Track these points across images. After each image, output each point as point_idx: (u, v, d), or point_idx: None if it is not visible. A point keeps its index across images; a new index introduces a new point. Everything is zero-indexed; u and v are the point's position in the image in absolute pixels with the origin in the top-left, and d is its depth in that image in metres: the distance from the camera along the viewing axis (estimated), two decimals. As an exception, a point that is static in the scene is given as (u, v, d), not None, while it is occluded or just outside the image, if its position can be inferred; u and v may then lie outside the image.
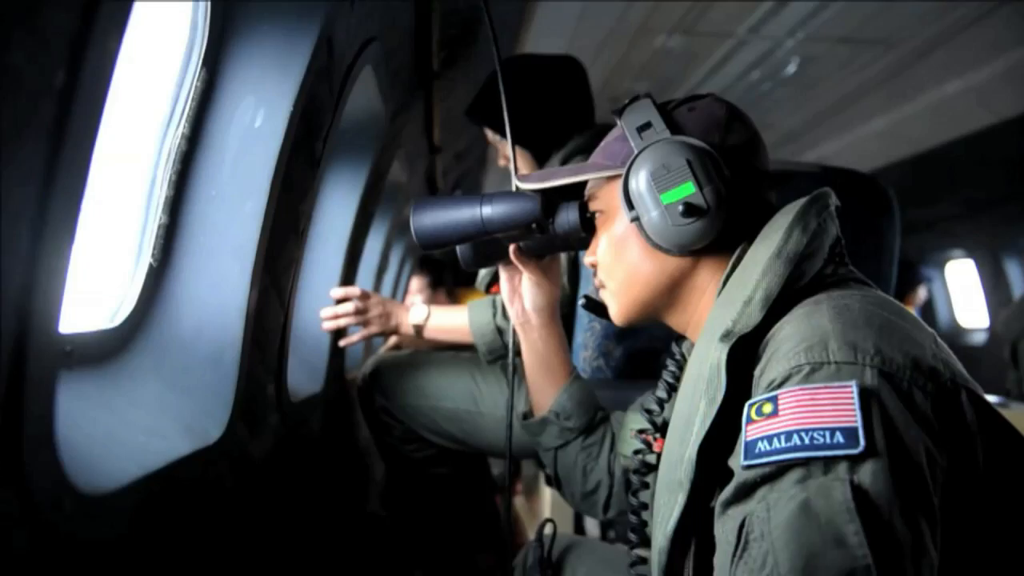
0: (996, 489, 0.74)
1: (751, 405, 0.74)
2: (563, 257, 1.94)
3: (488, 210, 1.13)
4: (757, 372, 0.78)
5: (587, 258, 1.09)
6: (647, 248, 0.96)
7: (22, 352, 0.73)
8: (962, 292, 7.09)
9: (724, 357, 0.79)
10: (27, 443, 0.75)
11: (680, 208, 0.90)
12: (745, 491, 0.70)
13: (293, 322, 1.72)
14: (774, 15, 3.56)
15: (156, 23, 1.19)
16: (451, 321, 1.95)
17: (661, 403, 1.10)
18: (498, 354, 1.79)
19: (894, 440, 0.66)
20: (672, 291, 0.99)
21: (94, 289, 1.23)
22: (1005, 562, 0.75)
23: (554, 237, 1.15)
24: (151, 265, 1.29)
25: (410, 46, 2.20)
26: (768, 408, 0.71)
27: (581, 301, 1.22)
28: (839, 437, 0.66)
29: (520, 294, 1.29)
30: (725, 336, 0.81)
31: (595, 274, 1.07)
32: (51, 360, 0.80)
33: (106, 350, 1.22)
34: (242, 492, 1.43)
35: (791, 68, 4.20)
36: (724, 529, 0.72)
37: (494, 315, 1.79)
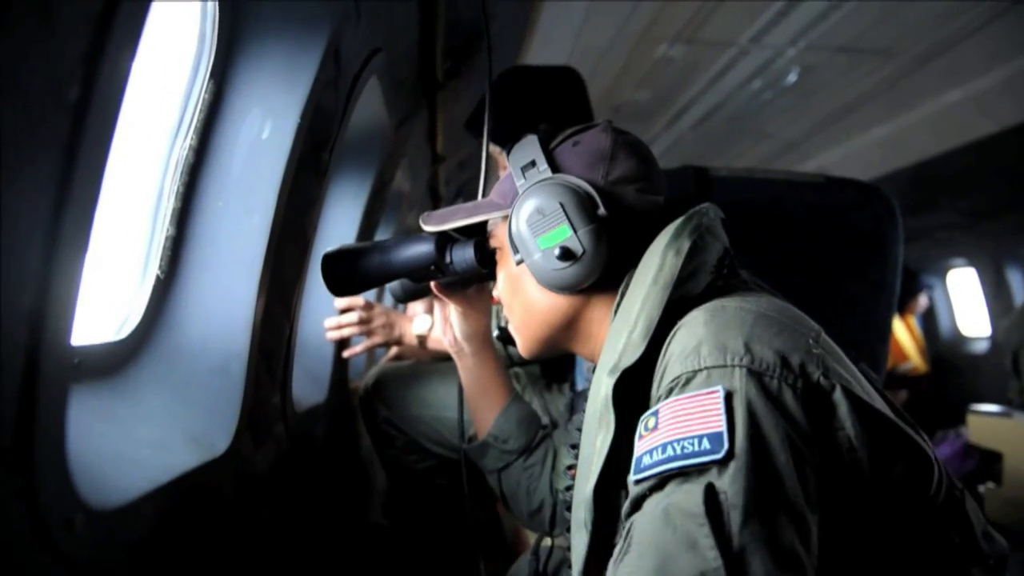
0: (877, 485, 0.74)
1: (642, 421, 0.75)
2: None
3: (388, 256, 1.19)
4: (654, 393, 0.78)
5: (494, 292, 1.09)
6: (538, 287, 0.96)
7: (35, 367, 0.73)
8: (963, 300, 7.08)
9: (611, 391, 0.80)
10: (39, 459, 0.75)
11: (556, 251, 0.90)
12: (636, 503, 0.71)
13: (298, 332, 1.72)
14: (775, 25, 3.57)
15: (165, 35, 1.20)
16: (455, 331, 1.95)
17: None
18: (502, 364, 1.79)
19: (758, 441, 0.67)
20: (571, 326, 0.99)
21: (101, 301, 1.23)
22: (889, 553, 0.76)
23: (457, 274, 1.16)
24: (158, 277, 1.29)
25: (415, 56, 2.21)
26: (652, 422, 0.73)
27: (495, 333, 1.27)
28: (706, 443, 0.67)
29: (451, 324, 1.31)
30: (612, 370, 0.81)
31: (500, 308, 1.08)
32: (63, 373, 0.80)
33: (113, 363, 1.22)
34: (247, 503, 1.43)
35: (792, 77, 4.21)
36: (622, 537, 0.73)
37: (496, 325, 1.79)
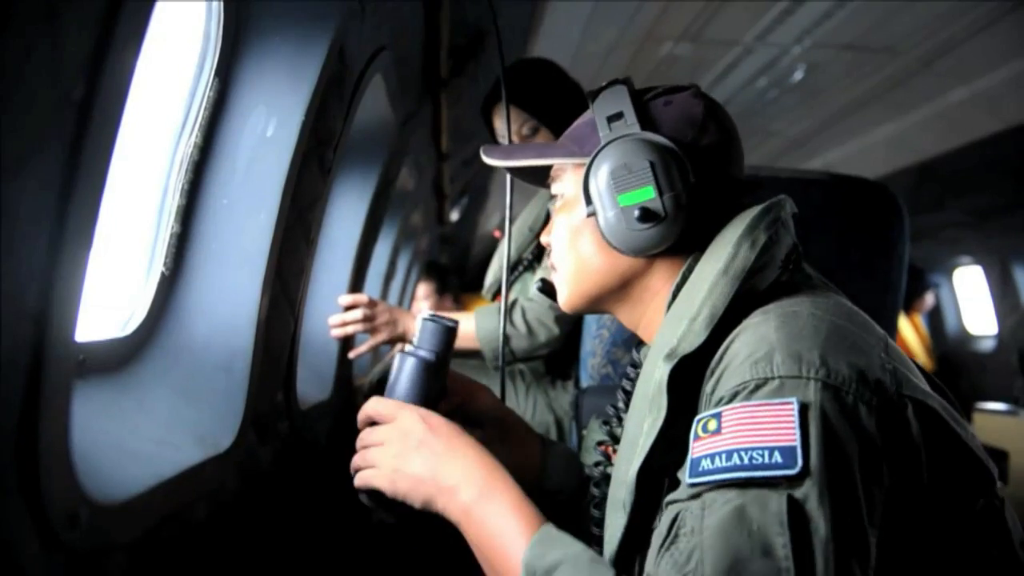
0: (940, 503, 0.73)
1: (698, 421, 0.73)
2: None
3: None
4: (708, 389, 0.76)
5: (543, 237, 1.04)
6: (601, 243, 0.92)
7: (39, 362, 0.73)
8: (970, 299, 7.06)
9: (666, 378, 0.77)
10: (43, 454, 0.75)
11: (636, 212, 0.86)
12: (690, 496, 0.70)
13: (303, 329, 1.72)
14: (780, 23, 3.56)
15: (169, 33, 1.20)
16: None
17: (618, 413, 1.05)
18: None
19: (833, 458, 0.65)
20: (623, 289, 0.95)
21: (106, 298, 1.23)
22: (930, 566, 0.74)
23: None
24: (163, 274, 1.30)
25: (420, 55, 2.21)
26: (712, 425, 0.71)
27: (537, 284, 1.19)
28: (777, 457, 0.65)
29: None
30: (669, 356, 0.78)
31: (548, 254, 1.02)
32: (67, 369, 0.80)
33: (118, 359, 1.22)
34: (251, 499, 1.43)
35: (797, 75, 4.20)
36: (660, 521, 0.72)
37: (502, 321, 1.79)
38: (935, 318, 7.04)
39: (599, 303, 0.98)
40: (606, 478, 1.01)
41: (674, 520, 0.68)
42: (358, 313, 1.92)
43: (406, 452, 0.90)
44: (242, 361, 1.33)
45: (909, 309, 5.65)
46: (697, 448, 0.71)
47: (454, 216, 5.49)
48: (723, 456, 0.67)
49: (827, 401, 0.68)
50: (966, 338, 6.99)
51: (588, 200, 0.91)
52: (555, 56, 2.48)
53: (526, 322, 1.91)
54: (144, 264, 1.30)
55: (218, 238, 1.33)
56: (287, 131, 1.33)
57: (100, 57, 0.72)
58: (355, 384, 2.63)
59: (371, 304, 1.94)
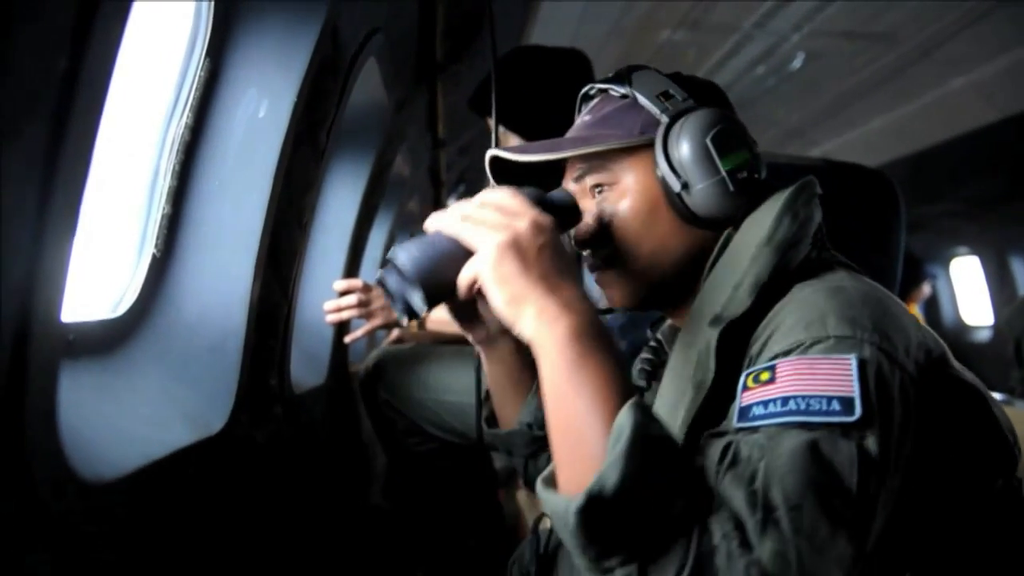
0: (961, 478, 0.75)
1: (748, 374, 0.74)
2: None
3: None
4: (754, 351, 0.78)
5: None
6: (676, 222, 0.92)
7: (24, 341, 0.73)
8: (967, 289, 7.07)
9: (714, 342, 0.79)
10: (29, 432, 0.75)
11: (743, 174, 0.88)
12: (738, 431, 0.71)
13: (296, 314, 1.72)
14: (780, 9, 3.55)
15: (160, 12, 1.19)
16: (454, 313, 1.95)
17: (640, 391, 1.06)
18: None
19: (884, 415, 0.68)
20: (694, 265, 0.94)
21: (97, 279, 1.23)
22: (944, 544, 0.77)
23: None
24: (154, 255, 1.29)
25: (415, 38, 2.20)
26: (765, 376, 0.72)
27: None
28: (836, 405, 0.66)
29: (481, 317, 1.08)
30: (715, 321, 0.81)
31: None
32: (53, 349, 0.80)
33: (109, 340, 1.22)
34: (244, 483, 1.43)
35: (796, 63, 4.19)
36: (704, 456, 0.71)
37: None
38: (931, 308, 7.06)
39: (663, 289, 0.97)
40: None
41: (726, 448, 0.69)
42: (353, 298, 1.91)
43: (528, 241, 0.75)
44: (234, 344, 1.33)
45: (906, 299, 5.64)
46: (747, 397, 0.72)
47: (451, 203, 5.47)
48: (778, 402, 0.69)
49: (881, 361, 0.70)
50: (963, 328, 7.01)
51: (677, 175, 0.89)
52: (552, 42, 2.47)
53: None
54: (135, 245, 1.29)
55: (210, 220, 1.32)
56: (279, 113, 1.32)
57: (85, 30, 0.71)
58: (351, 370, 2.63)
59: (366, 289, 1.93)
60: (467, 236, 0.77)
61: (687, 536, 0.60)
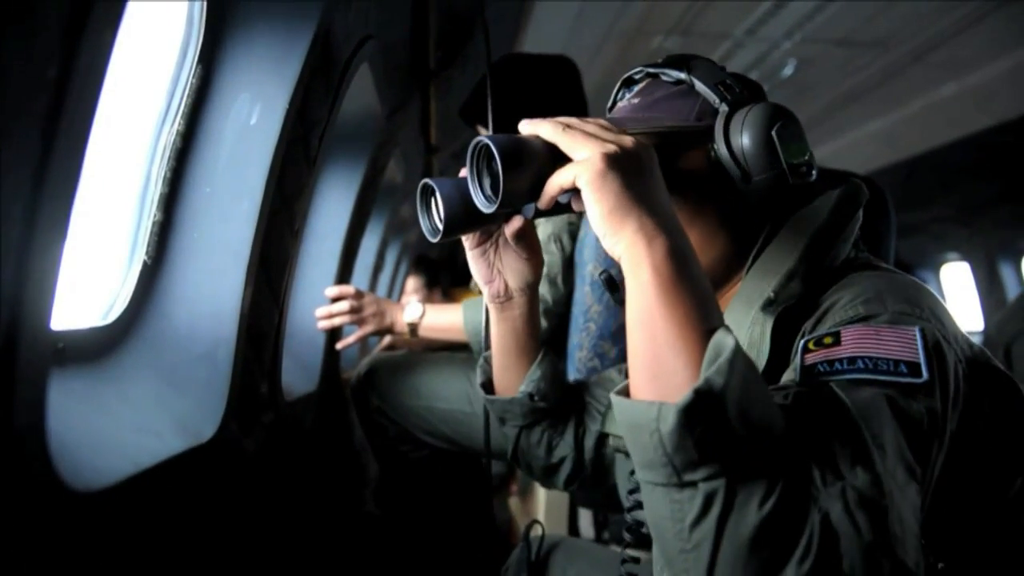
0: (984, 468, 0.77)
1: (807, 340, 0.76)
2: (559, 256, 1.94)
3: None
4: (808, 327, 0.80)
5: None
6: (724, 209, 0.93)
7: (12, 348, 0.72)
8: (957, 295, 7.10)
9: (770, 325, 0.83)
10: (17, 441, 0.74)
11: (803, 169, 0.90)
12: (800, 385, 0.72)
13: (288, 321, 1.71)
14: (771, 17, 3.57)
15: (152, 19, 1.19)
16: (446, 319, 1.95)
17: None
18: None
19: (944, 382, 0.71)
20: (729, 255, 0.95)
21: (88, 286, 1.22)
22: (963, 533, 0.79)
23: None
24: (145, 262, 1.28)
25: (407, 44, 2.20)
26: (829, 340, 0.74)
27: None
28: (903, 368, 0.69)
29: (501, 271, 1.10)
30: (768, 305, 0.84)
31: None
32: (42, 357, 0.79)
33: (99, 347, 1.21)
34: (235, 491, 1.42)
35: (788, 70, 4.21)
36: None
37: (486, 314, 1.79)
38: (923, 314, 7.08)
39: (719, 280, 0.98)
40: None
41: (798, 396, 0.70)
42: (345, 305, 1.91)
43: (632, 157, 0.74)
44: (225, 351, 1.32)
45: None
46: (810, 358, 0.74)
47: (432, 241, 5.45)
48: (844, 361, 0.71)
49: (939, 338, 0.74)
50: (953, 334, 7.03)
51: (740, 164, 0.90)
52: (544, 50, 2.47)
53: None
54: (126, 252, 1.28)
55: (201, 227, 1.32)
56: (271, 119, 1.32)
57: (76, 35, 0.70)
58: (343, 376, 2.62)
59: (358, 295, 1.93)
60: (570, 142, 0.75)
61: (777, 462, 0.60)
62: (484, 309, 1.37)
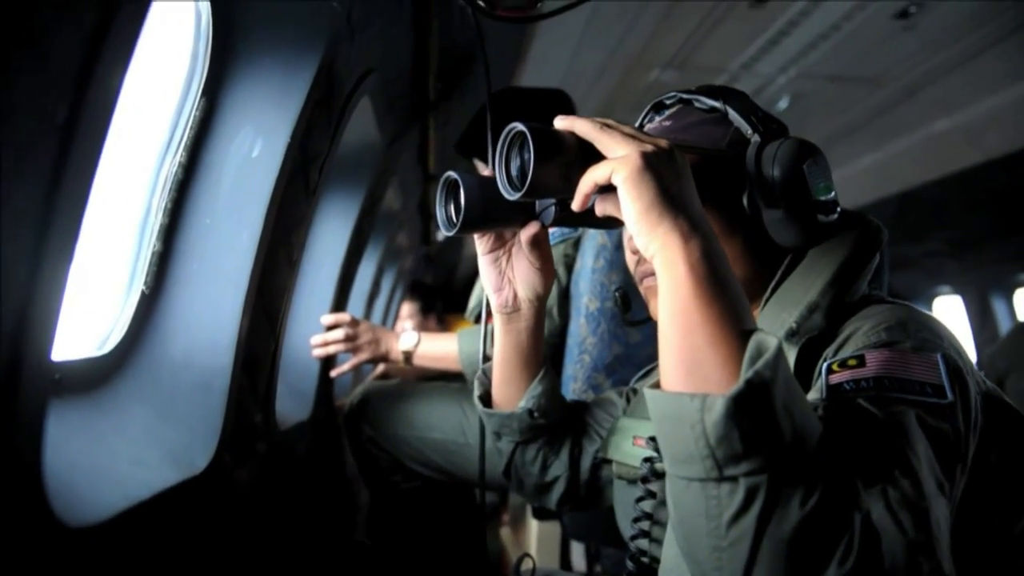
0: (990, 504, 0.78)
1: (831, 363, 0.78)
2: (555, 288, 1.95)
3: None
4: (829, 353, 0.82)
5: (634, 251, 1.02)
6: (747, 239, 0.94)
7: (14, 379, 0.72)
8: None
9: (794, 355, 0.85)
10: (13, 476, 0.74)
11: (827, 207, 0.91)
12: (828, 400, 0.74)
13: (283, 349, 1.71)
14: (766, 52, 3.61)
15: (158, 52, 1.20)
16: (440, 348, 1.95)
17: None
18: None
19: (965, 409, 0.72)
20: (747, 284, 0.95)
21: (85, 316, 1.22)
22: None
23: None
24: (143, 292, 1.29)
25: (408, 77, 2.22)
26: (853, 362, 0.76)
27: (618, 291, 1.19)
28: (928, 389, 0.71)
29: (512, 280, 1.10)
30: (791, 335, 0.86)
31: (639, 263, 1.01)
32: (41, 388, 0.79)
33: (94, 378, 1.21)
34: (228, 521, 1.42)
35: (782, 104, 4.25)
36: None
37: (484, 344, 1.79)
38: (916, 346, 7.08)
39: None
40: (655, 474, 1.06)
41: (825, 410, 0.72)
42: (340, 333, 1.92)
43: (668, 159, 0.75)
44: (221, 381, 1.32)
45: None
46: (835, 378, 0.76)
47: (440, 237, 5.49)
48: (871, 380, 0.73)
49: (960, 366, 0.76)
50: (946, 367, 7.03)
51: (767, 195, 0.91)
52: (542, 82, 2.50)
53: None
54: (124, 282, 1.29)
55: (200, 258, 1.32)
56: (273, 152, 1.33)
57: (86, 80, 0.72)
58: (336, 404, 2.62)
59: (353, 323, 1.94)
60: (608, 140, 0.76)
61: (819, 462, 0.61)
62: (481, 334, 1.39)
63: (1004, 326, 6.38)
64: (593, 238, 1.91)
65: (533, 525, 2.59)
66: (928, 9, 3.13)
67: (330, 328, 1.93)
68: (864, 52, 3.58)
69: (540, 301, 1.13)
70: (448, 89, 2.52)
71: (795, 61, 3.70)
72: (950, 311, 7.04)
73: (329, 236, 2.31)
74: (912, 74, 3.80)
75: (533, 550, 2.55)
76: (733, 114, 0.97)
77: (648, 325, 1.95)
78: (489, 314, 1.50)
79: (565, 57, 3.60)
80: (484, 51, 1.24)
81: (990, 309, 6.50)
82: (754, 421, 0.59)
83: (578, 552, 2.61)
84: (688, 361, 0.66)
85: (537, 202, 1.00)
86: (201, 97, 1.28)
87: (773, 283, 0.95)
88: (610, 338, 1.91)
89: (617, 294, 1.19)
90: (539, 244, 1.06)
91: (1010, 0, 3.05)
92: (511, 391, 1.22)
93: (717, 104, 0.99)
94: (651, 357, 2.08)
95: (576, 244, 1.97)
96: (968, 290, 6.72)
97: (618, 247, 1.88)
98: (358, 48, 1.55)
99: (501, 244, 1.09)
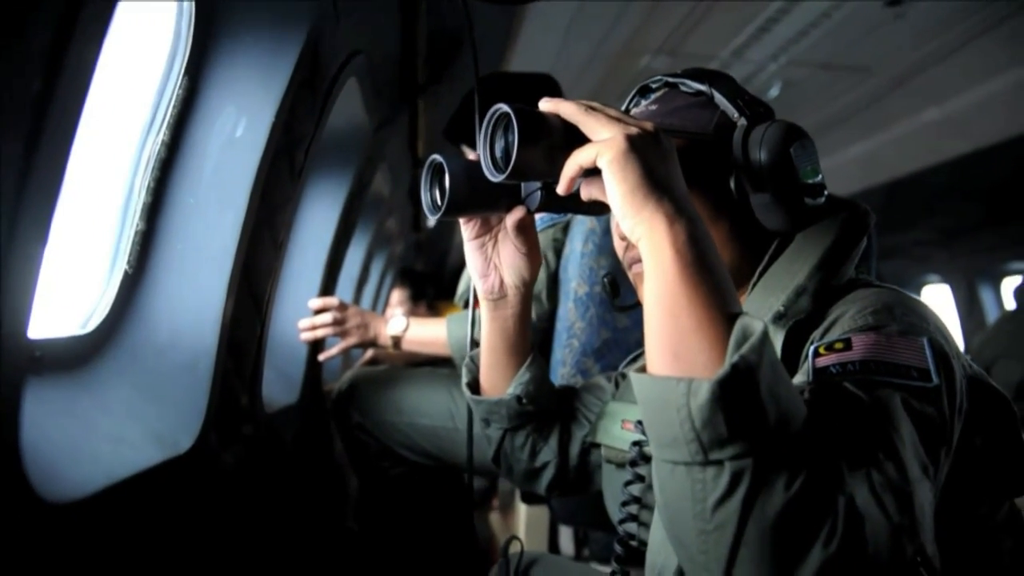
0: (975, 486, 0.79)
1: (818, 346, 0.78)
2: (543, 273, 1.95)
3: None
4: (816, 335, 0.82)
5: (622, 239, 1.01)
6: (735, 221, 0.94)
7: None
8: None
9: (781, 338, 0.85)
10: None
11: (814, 190, 0.91)
12: (813, 384, 0.74)
13: (270, 332, 1.71)
14: (757, 39, 3.61)
15: (139, 30, 1.19)
16: (429, 333, 1.95)
17: None
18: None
19: (951, 393, 0.73)
20: (733, 268, 0.96)
21: (68, 294, 1.21)
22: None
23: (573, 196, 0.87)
24: (126, 272, 1.28)
25: (396, 60, 2.21)
26: (840, 345, 0.76)
27: (607, 277, 1.19)
28: (914, 373, 0.71)
29: (498, 266, 1.10)
30: (778, 318, 0.86)
31: (627, 249, 1.01)
32: (18, 365, 0.79)
33: (77, 356, 1.20)
34: (213, 503, 1.41)
35: (773, 92, 4.25)
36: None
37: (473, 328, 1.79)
38: (904, 335, 7.12)
39: None
40: (644, 457, 1.06)
41: (803, 394, 0.71)
42: (328, 317, 1.91)
43: (654, 142, 0.74)
44: (205, 362, 1.31)
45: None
46: (821, 361, 0.76)
47: (430, 223, 5.48)
48: (857, 364, 0.73)
49: (945, 350, 0.76)
50: (934, 355, 7.08)
51: (754, 179, 0.91)
52: (532, 67, 2.49)
53: None
54: (107, 261, 1.28)
55: (184, 237, 1.32)
56: (257, 132, 1.32)
57: (59, 52, 0.71)
58: (325, 389, 2.62)
59: (341, 307, 1.93)
60: (593, 123, 0.75)
61: (803, 447, 0.61)
62: (470, 319, 1.38)
63: (992, 315, 6.42)
64: (582, 223, 1.91)
65: (522, 510, 2.60)
66: (919, -3, 3.14)
67: (318, 312, 1.93)
68: (855, 40, 3.58)
69: (526, 287, 1.12)
70: (437, 74, 2.51)
71: (786, 49, 3.70)
72: (938, 300, 7.08)
73: (317, 220, 2.30)
74: (902, 62, 3.81)
75: (522, 534, 2.56)
76: (719, 97, 0.97)
77: (637, 310, 1.97)
78: (476, 300, 1.50)
79: (555, 43, 3.59)
80: (472, 35, 1.23)
81: (977, 298, 6.54)
82: (739, 405, 0.59)
83: (566, 536, 2.62)
84: (674, 345, 0.66)
85: (523, 187, 1.00)
86: (184, 76, 1.27)
87: (760, 267, 0.94)
88: (599, 323, 1.91)
89: (606, 280, 1.18)
90: (525, 229, 1.05)
91: (1000, -11, 3.06)
92: (499, 377, 1.21)
93: (703, 88, 0.99)
94: (639, 342, 2.07)
95: (565, 228, 1.97)
96: (956, 279, 6.75)
97: (607, 232, 1.88)
98: (344, 29, 1.54)
99: (487, 230, 1.08)
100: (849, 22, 3.38)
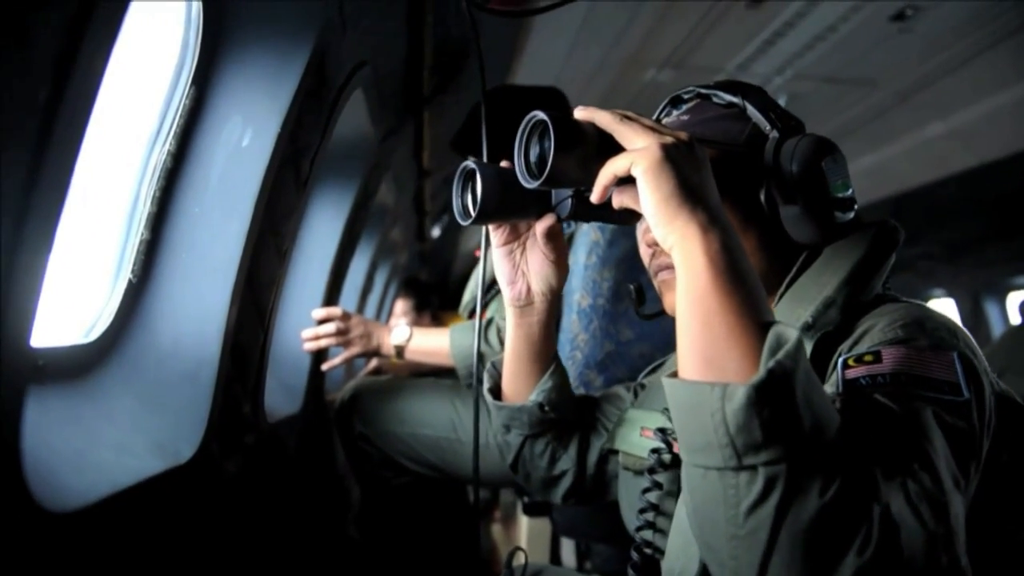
0: (998, 505, 0.78)
1: (847, 357, 0.78)
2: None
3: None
4: (844, 347, 0.82)
5: (649, 242, 1.03)
6: (763, 233, 0.94)
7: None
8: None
9: (810, 348, 0.85)
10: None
11: (844, 205, 0.91)
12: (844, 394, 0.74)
13: (273, 342, 1.71)
14: (763, 53, 3.62)
15: (147, 40, 1.20)
16: (433, 343, 1.95)
17: None
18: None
19: (980, 407, 0.72)
20: (763, 278, 0.95)
21: (71, 303, 1.21)
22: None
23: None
24: (131, 281, 1.28)
25: (402, 71, 2.21)
26: (869, 358, 0.76)
27: (633, 286, 1.19)
28: (944, 387, 0.71)
29: (526, 273, 1.11)
30: (806, 329, 0.86)
31: (655, 256, 1.01)
32: (20, 373, 0.78)
33: (80, 365, 1.20)
34: (214, 513, 1.41)
35: (779, 105, 4.26)
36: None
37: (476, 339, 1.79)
38: (909, 349, 7.10)
39: None
40: (662, 465, 1.05)
41: (834, 403, 0.71)
42: (331, 327, 1.91)
43: (689, 152, 0.75)
44: (208, 371, 1.31)
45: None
46: (851, 373, 0.76)
47: (435, 233, 5.48)
48: (887, 376, 0.73)
49: (975, 365, 0.76)
50: (939, 369, 7.05)
51: (785, 191, 0.92)
52: (538, 79, 2.50)
53: (501, 341, 1.90)
54: (112, 270, 1.28)
55: (188, 246, 1.32)
56: (263, 142, 1.33)
57: (68, 61, 0.71)
58: (327, 399, 2.61)
59: (345, 317, 1.93)
60: (628, 132, 0.76)
61: (837, 454, 0.61)
62: (475, 330, 1.37)
63: (997, 329, 6.40)
64: (586, 235, 1.90)
65: (524, 522, 2.59)
66: (924, 12, 3.14)
67: (322, 322, 1.93)
68: (860, 54, 3.59)
69: (554, 294, 1.12)
70: (443, 85, 2.51)
71: (791, 62, 3.71)
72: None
73: (322, 229, 2.30)
74: (908, 76, 3.81)
75: (524, 546, 2.55)
76: (751, 110, 0.98)
77: (640, 324, 1.96)
78: (482, 309, 1.49)
79: (561, 54, 3.60)
80: (479, 46, 1.23)
81: (982, 312, 6.52)
82: (774, 410, 0.59)
83: (568, 549, 2.61)
84: (706, 351, 0.67)
85: (553, 194, 1.01)
86: (191, 86, 1.28)
87: (788, 278, 0.95)
88: (602, 335, 1.91)
89: (632, 287, 1.19)
90: (554, 237, 1.06)
91: (1006, 3, 3.06)
92: (521, 384, 1.22)
93: (735, 99, 1.00)
94: (643, 355, 2.07)
95: (569, 241, 1.97)
96: (961, 293, 6.74)
97: (611, 244, 1.88)
98: (350, 40, 1.55)
99: (515, 236, 1.09)
100: (855, 36, 3.39)
